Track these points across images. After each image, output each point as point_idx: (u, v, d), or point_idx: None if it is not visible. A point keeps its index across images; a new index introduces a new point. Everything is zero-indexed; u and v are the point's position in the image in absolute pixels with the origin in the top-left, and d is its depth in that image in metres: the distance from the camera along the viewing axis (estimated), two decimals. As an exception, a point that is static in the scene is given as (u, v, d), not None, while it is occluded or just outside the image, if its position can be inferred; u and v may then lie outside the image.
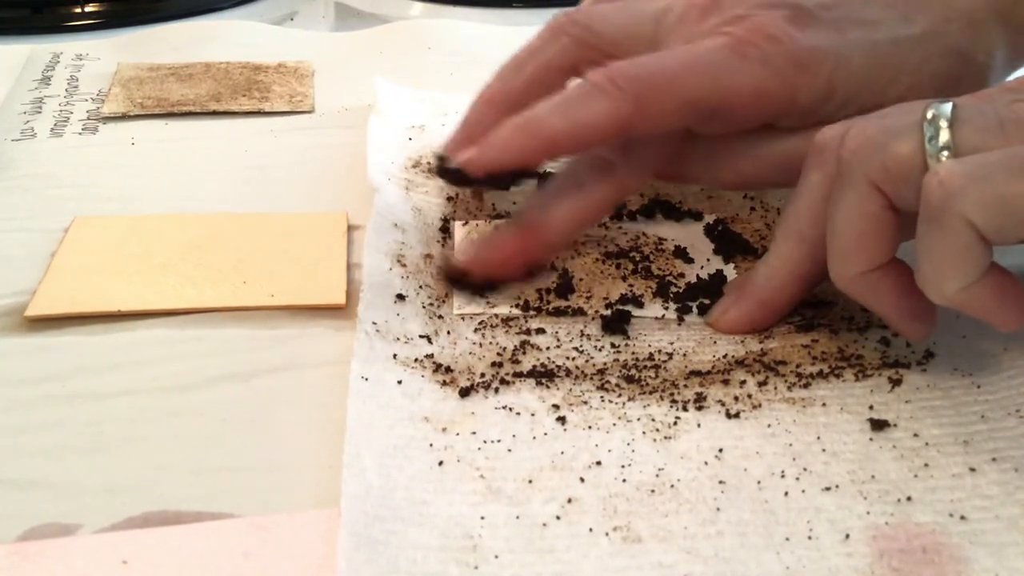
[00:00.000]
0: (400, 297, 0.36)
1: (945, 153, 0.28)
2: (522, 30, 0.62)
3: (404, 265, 0.38)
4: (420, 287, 0.37)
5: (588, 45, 0.39)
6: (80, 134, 0.50)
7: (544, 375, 0.33)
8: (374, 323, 0.34)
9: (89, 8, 0.66)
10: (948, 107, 0.29)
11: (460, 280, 0.37)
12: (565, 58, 0.39)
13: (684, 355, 0.34)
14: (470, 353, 0.34)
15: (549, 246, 0.37)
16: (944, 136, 0.29)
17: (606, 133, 0.35)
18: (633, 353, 0.34)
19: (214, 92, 0.53)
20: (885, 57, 0.36)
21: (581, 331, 0.35)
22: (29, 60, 0.58)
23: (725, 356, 0.34)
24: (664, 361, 0.34)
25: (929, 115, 0.29)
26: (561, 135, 0.34)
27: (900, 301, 0.31)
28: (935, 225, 0.28)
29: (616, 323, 0.35)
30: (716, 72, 0.35)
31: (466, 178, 0.36)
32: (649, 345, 0.35)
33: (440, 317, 0.36)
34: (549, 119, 0.35)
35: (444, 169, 0.37)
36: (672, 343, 0.35)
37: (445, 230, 0.41)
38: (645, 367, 0.33)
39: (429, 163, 0.45)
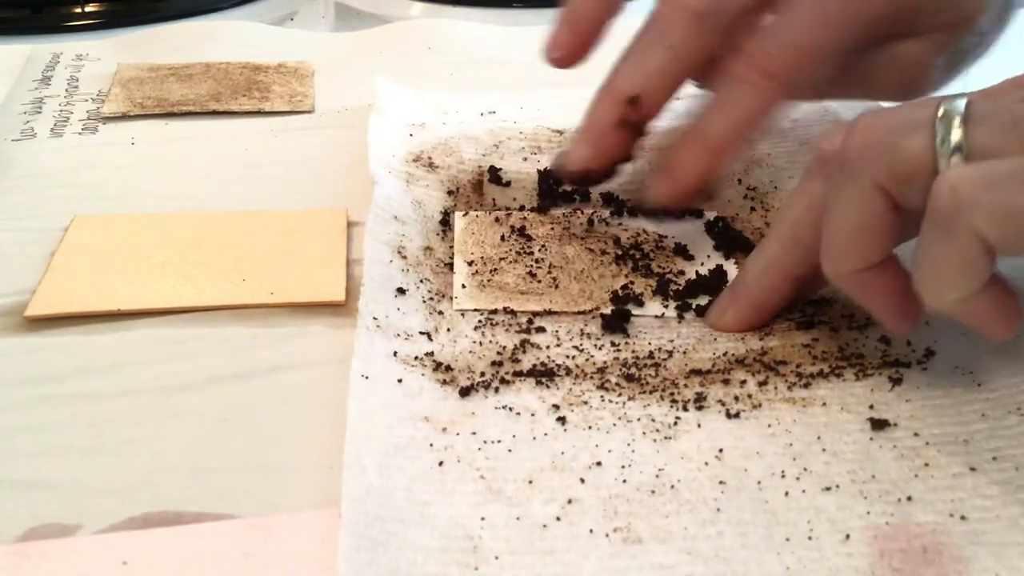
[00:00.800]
0: (401, 291, 0.36)
1: (957, 154, 0.28)
2: (522, 30, 0.62)
3: (404, 257, 0.38)
4: (420, 281, 0.37)
5: None
6: (80, 134, 0.49)
7: (544, 374, 0.33)
8: (375, 318, 0.34)
9: (89, 8, 0.66)
10: (961, 104, 0.28)
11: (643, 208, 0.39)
12: None
13: (684, 353, 0.34)
14: (470, 352, 0.34)
15: (723, 153, 0.37)
16: (956, 135, 0.28)
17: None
18: (633, 351, 0.34)
19: (214, 92, 0.53)
20: None
21: (581, 330, 0.35)
22: (29, 60, 0.58)
23: (725, 354, 0.34)
24: (664, 359, 0.34)
25: (941, 112, 0.28)
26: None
27: (892, 300, 0.31)
28: (942, 233, 0.27)
29: (616, 322, 0.35)
30: (846, 19, 0.35)
31: (587, 181, 0.39)
32: (649, 343, 0.35)
33: (440, 313, 0.36)
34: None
35: (570, 179, 0.39)
36: (672, 341, 0.35)
37: (445, 223, 0.41)
38: (645, 365, 0.33)
39: (430, 158, 0.46)
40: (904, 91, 0.40)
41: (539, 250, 0.39)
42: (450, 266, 0.39)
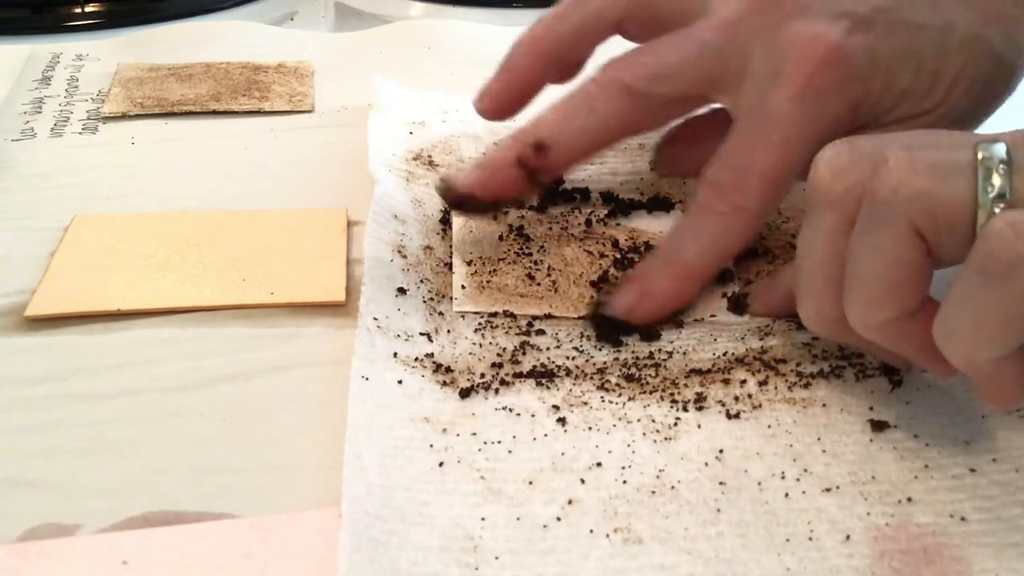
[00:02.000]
0: (401, 291, 0.36)
1: (1000, 204, 0.26)
2: (522, 30, 0.62)
3: (405, 256, 0.38)
4: (421, 281, 0.37)
5: (638, 2, 0.39)
6: (80, 134, 0.49)
7: (544, 375, 0.33)
8: (375, 319, 0.34)
9: (89, 8, 0.66)
10: (1001, 149, 0.26)
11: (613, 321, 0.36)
12: (614, 11, 0.39)
13: (684, 353, 0.34)
14: (470, 353, 0.34)
15: (697, 282, 0.37)
16: (999, 182, 0.26)
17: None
18: (633, 352, 0.34)
19: (214, 92, 0.53)
20: (928, 67, 0.35)
21: (581, 332, 0.35)
22: (29, 60, 0.58)
23: (725, 354, 0.34)
24: (664, 360, 0.34)
25: (980, 156, 0.26)
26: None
27: (932, 346, 0.28)
28: (994, 283, 0.25)
29: (611, 333, 0.35)
30: (807, 137, 0.34)
31: (466, 206, 0.38)
32: (649, 343, 0.35)
33: (440, 314, 0.36)
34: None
35: (452, 198, 0.38)
36: (672, 341, 0.35)
37: (445, 221, 0.41)
38: (645, 366, 0.33)
39: (430, 156, 0.45)
40: None
41: (538, 251, 0.39)
42: (450, 266, 0.39)
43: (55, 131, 0.50)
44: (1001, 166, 0.26)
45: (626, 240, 0.40)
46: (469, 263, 0.38)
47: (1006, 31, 0.36)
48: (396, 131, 0.47)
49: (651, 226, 0.41)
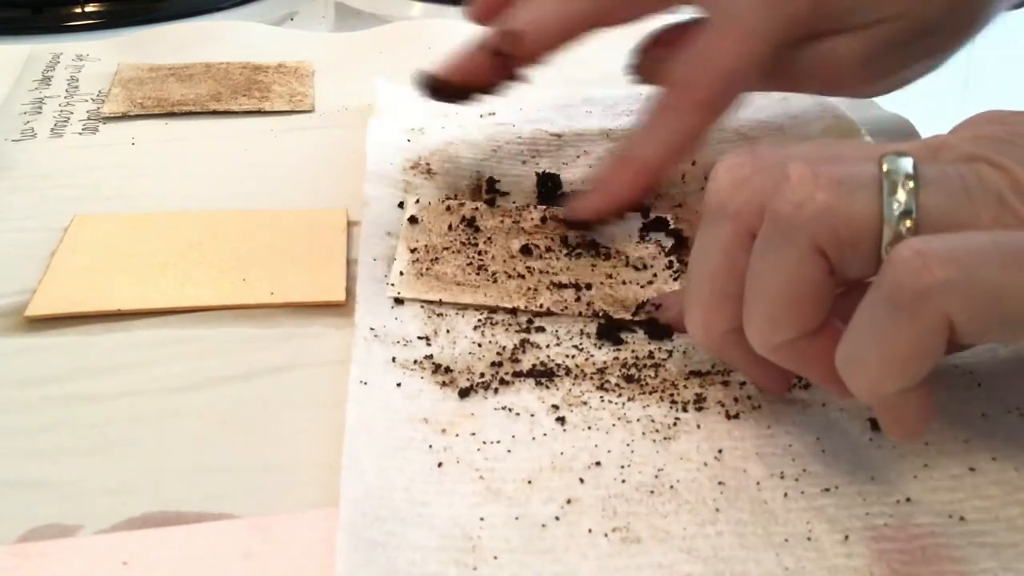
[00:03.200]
0: (397, 301, 0.36)
1: (907, 222, 0.25)
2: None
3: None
4: (390, 285, 0.37)
5: None
6: (80, 134, 0.50)
7: (544, 375, 0.33)
8: (372, 328, 0.34)
9: (89, 8, 0.66)
10: (908, 163, 0.26)
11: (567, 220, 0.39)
12: None
13: (684, 353, 0.34)
14: (469, 353, 0.34)
15: (649, 175, 0.38)
16: (904, 198, 0.25)
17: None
18: (633, 351, 0.34)
19: (214, 92, 0.53)
20: None
21: (581, 329, 0.35)
22: (29, 60, 0.58)
23: None
24: (664, 359, 0.34)
25: (885, 169, 0.26)
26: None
27: (832, 367, 0.27)
28: (901, 312, 0.24)
29: (611, 332, 0.35)
30: (766, 36, 0.36)
31: (440, 92, 0.41)
32: (649, 342, 0.35)
33: (439, 316, 0.36)
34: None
35: (426, 82, 0.41)
36: (672, 340, 0.35)
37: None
38: (645, 366, 0.33)
39: (428, 164, 0.45)
40: (832, 87, 0.41)
41: (484, 242, 0.39)
42: None
43: (55, 131, 0.50)
44: (907, 181, 0.25)
45: (575, 237, 0.40)
46: (413, 250, 0.39)
47: None
48: (395, 139, 0.47)
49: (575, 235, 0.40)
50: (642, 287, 0.37)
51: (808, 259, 0.26)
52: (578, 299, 0.37)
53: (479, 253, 0.39)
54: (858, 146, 0.29)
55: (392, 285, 0.37)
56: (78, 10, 0.66)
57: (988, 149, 0.26)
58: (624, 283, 0.38)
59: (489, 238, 0.40)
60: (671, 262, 0.39)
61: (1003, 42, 0.42)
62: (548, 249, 0.39)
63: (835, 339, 0.26)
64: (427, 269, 0.38)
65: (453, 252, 0.39)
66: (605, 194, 0.38)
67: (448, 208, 0.41)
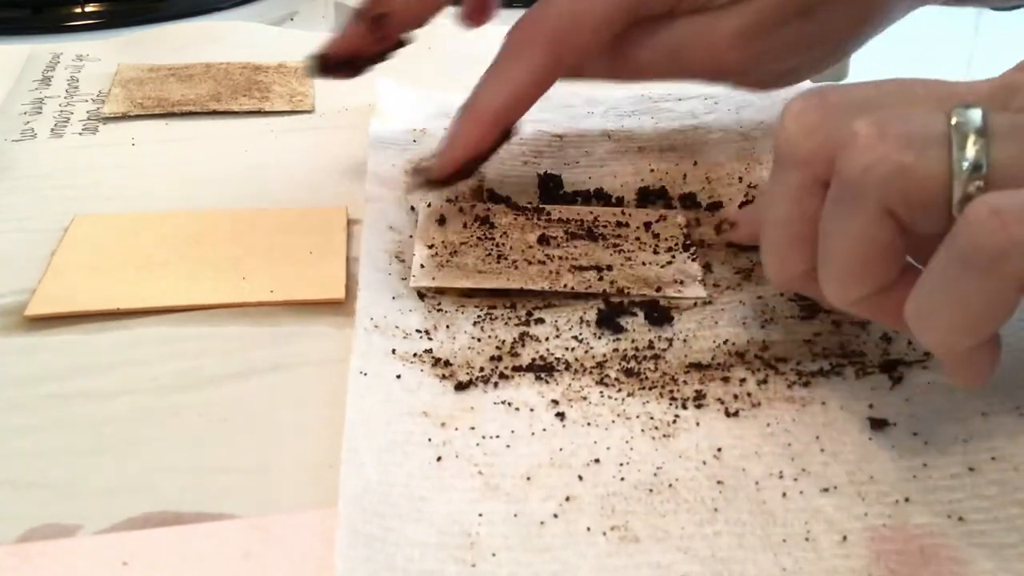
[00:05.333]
0: (399, 293, 0.36)
1: (976, 176, 0.24)
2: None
3: (403, 261, 0.38)
4: (412, 277, 0.37)
5: None
6: (80, 134, 0.50)
7: (543, 369, 0.33)
8: (372, 319, 0.34)
9: (89, 8, 0.66)
10: (977, 116, 0.25)
11: (429, 180, 0.40)
12: None
13: (684, 341, 0.34)
14: (469, 347, 0.34)
15: (494, 122, 0.39)
16: (973, 154, 0.25)
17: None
18: (633, 340, 0.34)
19: (214, 92, 0.53)
20: None
21: (580, 318, 0.35)
22: (29, 60, 0.58)
23: (726, 342, 0.34)
24: (664, 349, 0.34)
25: (954, 122, 0.25)
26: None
27: None
28: (976, 271, 0.24)
29: (611, 319, 0.35)
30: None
31: (440, 181, 0.40)
32: (649, 330, 0.35)
33: (440, 310, 0.36)
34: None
35: (312, 61, 0.43)
36: (672, 326, 0.35)
37: (441, 222, 0.41)
38: (645, 358, 0.33)
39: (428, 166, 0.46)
40: (712, 69, 0.39)
41: (500, 236, 0.40)
42: None
43: (55, 131, 0.50)
44: (977, 136, 0.25)
45: (590, 220, 0.41)
46: (430, 246, 0.39)
47: None
48: (397, 138, 0.47)
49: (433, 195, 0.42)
50: (662, 267, 0.38)
51: (878, 221, 0.26)
52: (600, 279, 0.37)
53: (497, 245, 0.39)
54: (929, 86, 0.28)
55: (414, 277, 0.37)
56: (78, 10, 0.66)
57: None
58: (644, 264, 0.38)
59: (505, 232, 0.40)
60: (687, 245, 0.39)
61: (1004, 42, 0.41)
62: (565, 238, 0.39)
63: (911, 287, 0.26)
64: (447, 261, 0.38)
65: (471, 246, 0.39)
66: (455, 149, 0.38)
67: (460, 209, 0.41)
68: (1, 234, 0.41)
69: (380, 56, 0.44)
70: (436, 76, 0.57)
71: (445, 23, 0.64)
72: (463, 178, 0.40)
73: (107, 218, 0.42)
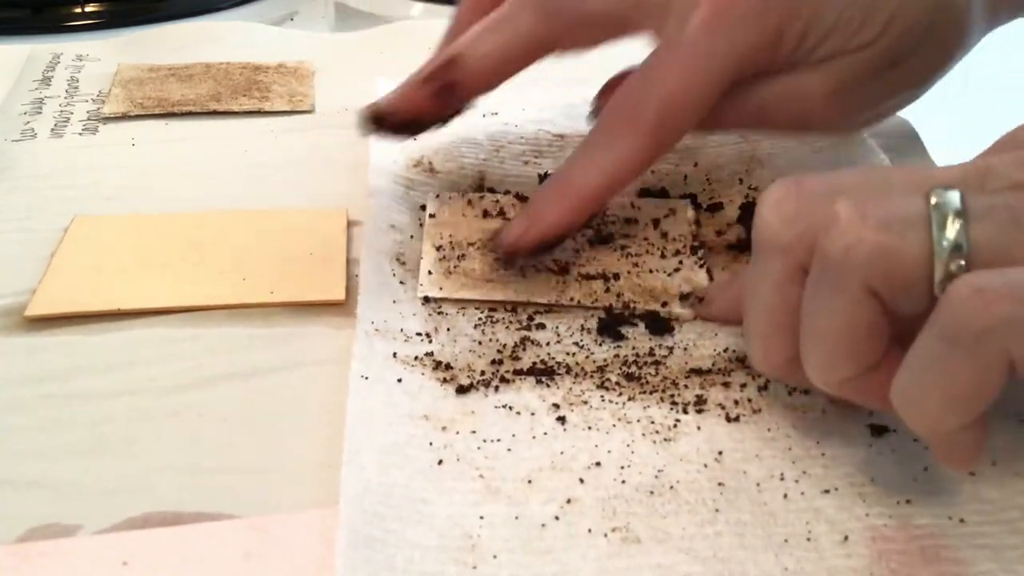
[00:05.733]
0: (400, 297, 0.36)
1: (960, 260, 0.24)
2: None
3: (403, 264, 0.38)
4: (420, 285, 0.37)
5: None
6: (80, 134, 0.50)
7: (544, 373, 0.33)
8: (372, 323, 0.34)
9: (89, 8, 0.66)
10: (955, 197, 0.25)
11: (504, 254, 0.37)
12: None
13: (685, 349, 0.34)
14: (470, 351, 0.34)
15: (587, 203, 0.36)
16: (953, 234, 0.25)
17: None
18: (633, 347, 0.34)
19: (214, 92, 0.53)
20: (860, 1, 0.34)
21: (581, 325, 0.35)
22: (29, 60, 0.58)
23: (727, 350, 0.34)
24: (665, 356, 0.34)
25: (933, 202, 0.25)
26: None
27: None
28: (961, 353, 0.24)
29: (612, 328, 0.35)
30: (715, 64, 0.34)
31: (382, 125, 0.38)
32: (650, 338, 0.35)
33: (440, 314, 0.36)
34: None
35: (367, 115, 0.39)
36: (673, 336, 0.35)
37: None
38: (646, 363, 0.33)
39: (430, 162, 0.45)
40: (801, 125, 0.38)
41: None
42: None
43: (55, 131, 0.50)
44: (956, 216, 0.25)
45: (599, 217, 0.40)
46: (439, 248, 0.39)
47: None
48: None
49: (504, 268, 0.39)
50: (668, 275, 0.38)
51: (861, 301, 0.26)
52: (607, 290, 0.37)
53: None
54: (905, 172, 0.28)
55: (421, 286, 0.37)
56: (78, 10, 0.66)
57: None
58: (651, 271, 0.38)
59: None
60: (695, 248, 0.39)
61: (1005, 41, 0.41)
62: (573, 238, 0.39)
63: (896, 367, 0.26)
64: (455, 267, 0.38)
65: (479, 248, 0.39)
66: (538, 224, 0.36)
67: (470, 202, 0.41)
68: (1, 234, 0.41)
69: (443, 120, 0.40)
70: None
71: (444, 23, 0.64)
72: (539, 256, 0.36)
73: (107, 219, 0.42)
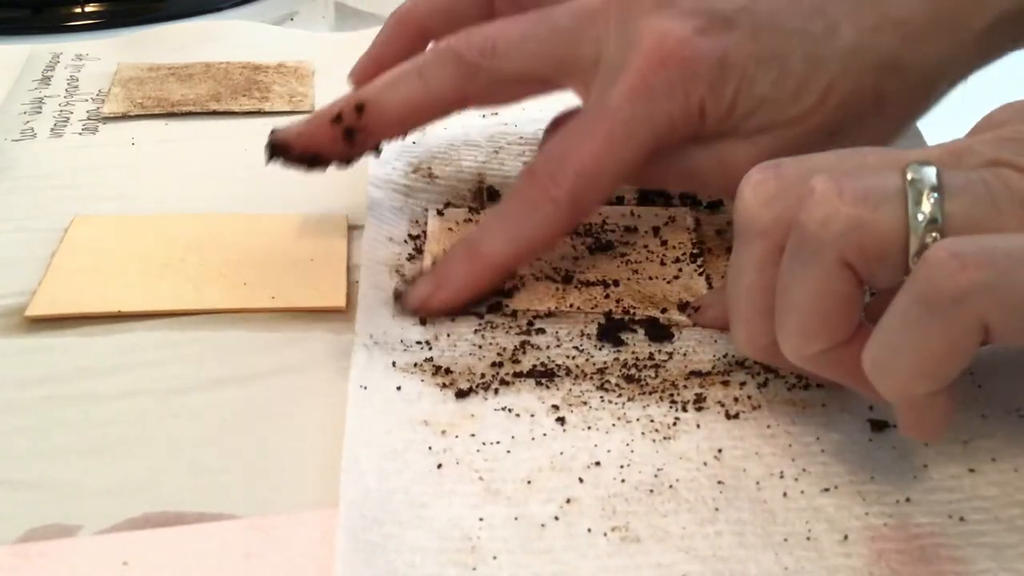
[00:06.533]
0: (398, 310, 0.36)
1: (934, 233, 0.25)
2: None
3: (403, 275, 0.38)
4: None
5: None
6: (80, 134, 0.50)
7: (544, 375, 0.33)
8: (371, 336, 0.34)
9: (89, 8, 0.66)
10: (931, 172, 0.25)
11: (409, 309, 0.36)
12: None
13: (684, 354, 0.34)
14: (470, 354, 0.34)
15: (497, 271, 0.36)
16: (929, 208, 0.25)
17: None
18: (633, 352, 0.34)
19: (214, 92, 0.53)
20: (795, 75, 0.34)
21: (581, 331, 0.35)
22: (29, 60, 0.58)
23: (725, 356, 0.34)
24: (664, 360, 0.34)
25: (909, 179, 0.25)
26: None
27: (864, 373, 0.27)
28: (934, 314, 0.24)
29: (611, 333, 0.35)
30: (635, 135, 0.34)
31: (284, 156, 0.39)
32: (649, 344, 0.35)
33: (440, 321, 0.36)
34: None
35: (270, 144, 0.39)
36: (672, 341, 0.35)
37: None
38: (645, 367, 0.33)
39: (429, 168, 0.45)
40: (731, 192, 0.36)
41: None
42: None
43: (55, 131, 0.50)
44: (931, 191, 0.25)
45: (599, 224, 0.40)
46: (435, 263, 0.38)
47: (907, 42, 0.34)
48: (396, 142, 0.47)
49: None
50: (668, 283, 0.37)
51: (836, 274, 0.26)
52: (607, 296, 0.37)
53: None
54: (881, 153, 0.28)
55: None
56: (78, 10, 0.66)
57: (1012, 152, 0.26)
58: (651, 278, 0.38)
59: None
60: (695, 255, 0.39)
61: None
62: (572, 246, 0.39)
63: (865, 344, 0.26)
64: None
65: None
66: (445, 289, 0.35)
67: (468, 220, 0.41)
68: (1, 234, 0.41)
69: (348, 161, 0.39)
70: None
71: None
72: (445, 315, 0.36)
73: (107, 219, 0.42)
